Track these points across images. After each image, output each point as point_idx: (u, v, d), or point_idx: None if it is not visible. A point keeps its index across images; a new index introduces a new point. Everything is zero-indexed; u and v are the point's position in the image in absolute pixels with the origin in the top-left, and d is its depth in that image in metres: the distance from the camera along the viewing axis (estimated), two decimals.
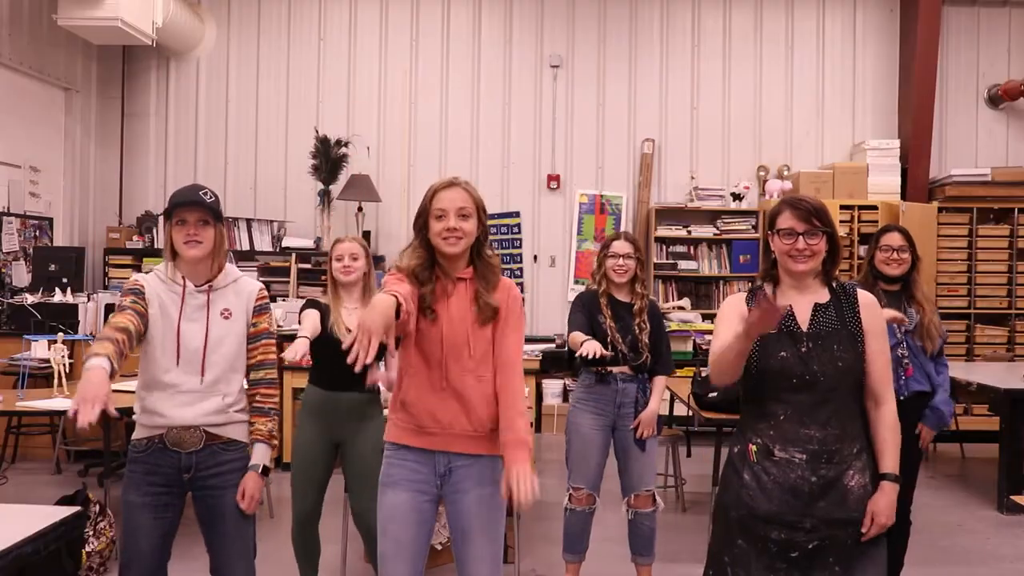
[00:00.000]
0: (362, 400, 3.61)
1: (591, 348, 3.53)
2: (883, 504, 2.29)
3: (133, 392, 2.74)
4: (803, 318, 2.34)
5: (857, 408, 2.35)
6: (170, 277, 2.65)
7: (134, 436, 2.68)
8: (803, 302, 2.36)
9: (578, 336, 3.68)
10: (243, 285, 2.72)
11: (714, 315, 7.73)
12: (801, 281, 2.37)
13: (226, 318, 2.66)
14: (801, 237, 2.31)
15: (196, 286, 2.64)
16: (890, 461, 2.31)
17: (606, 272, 3.86)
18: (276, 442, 2.75)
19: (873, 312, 2.37)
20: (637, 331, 3.80)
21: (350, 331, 3.39)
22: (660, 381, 3.88)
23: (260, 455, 2.70)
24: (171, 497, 2.65)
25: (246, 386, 2.75)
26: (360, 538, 4.44)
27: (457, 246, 2.41)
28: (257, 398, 2.75)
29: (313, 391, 3.68)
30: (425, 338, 2.42)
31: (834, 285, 2.40)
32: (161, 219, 7.19)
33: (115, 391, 3.98)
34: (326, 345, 3.49)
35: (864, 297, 2.39)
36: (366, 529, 3.56)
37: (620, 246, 3.85)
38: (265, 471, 2.69)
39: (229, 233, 8.02)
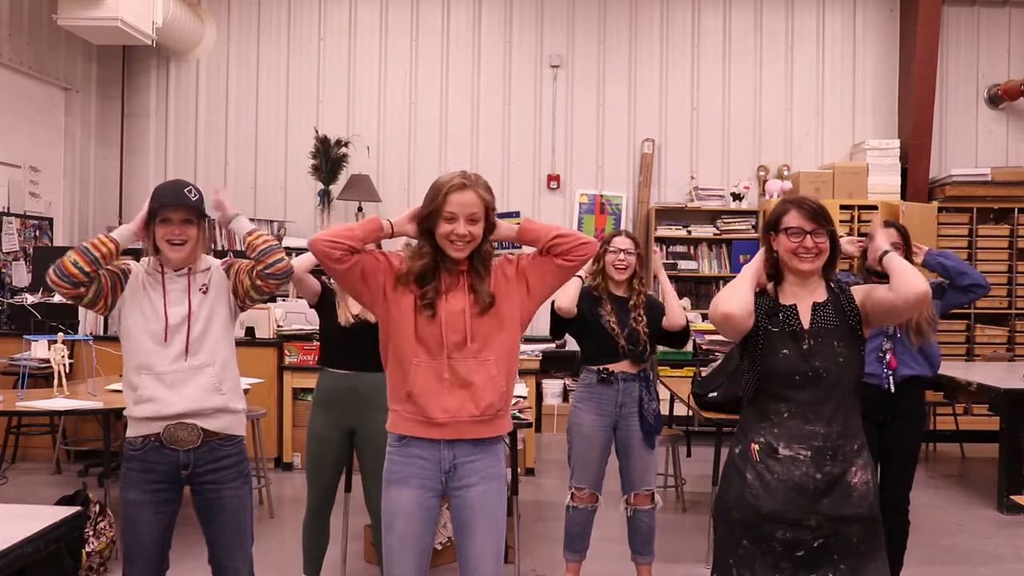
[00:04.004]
0: (376, 382, 3.61)
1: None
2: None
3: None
4: (805, 316, 2.37)
5: (856, 405, 2.38)
6: (153, 268, 2.70)
7: (129, 434, 2.68)
8: (805, 300, 2.39)
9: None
10: (214, 268, 2.78)
11: None
12: (805, 280, 2.40)
13: (204, 293, 2.70)
14: (809, 236, 2.35)
15: (176, 272, 2.70)
16: (894, 255, 2.39)
17: (605, 268, 3.85)
18: (263, 235, 2.76)
19: (860, 289, 2.44)
20: (634, 324, 3.79)
21: (356, 316, 3.57)
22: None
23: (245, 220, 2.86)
24: (170, 493, 2.67)
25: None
26: (360, 538, 4.46)
27: (464, 251, 2.44)
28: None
29: (326, 376, 3.70)
30: (426, 333, 2.45)
31: (832, 284, 2.44)
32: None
33: (110, 391, 3.98)
34: (337, 327, 3.60)
35: (856, 288, 2.44)
36: (375, 509, 3.58)
37: (621, 241, 3.84)
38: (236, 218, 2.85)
39: (229, 233, 8.02)
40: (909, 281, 2.27)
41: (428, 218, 2.45)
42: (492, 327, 2.47)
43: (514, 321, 2.52)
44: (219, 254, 7.09)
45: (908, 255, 3.77)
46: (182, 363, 2.63)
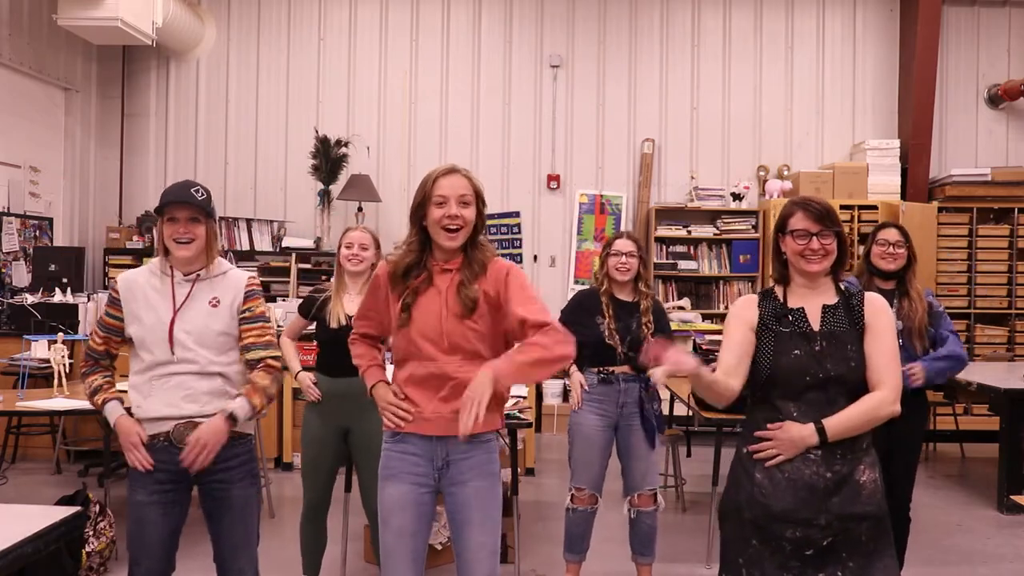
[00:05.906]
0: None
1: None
2: (788, 433, 2.30)
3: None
4: (814, 318, 2.37)
5: None
6: (161, 270, 2.68)
7: None
8: (814, 303, 2.39)
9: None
10: (233, 275, 2.74)
11: (714, 315, 7.75)
12: (813, 281, 2.40)
13: (214, 306, 2.66)
14: (815, 237, 2.34)
15: (184, 276, 2.67)
16: (835, 420, 2.28)
17: (608, 271, 3.86)
18: (260, 406, 2.66)
19: (875, 309, 2.37)
20: (643, 331, 3.78)
21: (351, 318, 3.49)
22: None
23: (237, 404, 2.62)
24: (177, 494, 2.66)
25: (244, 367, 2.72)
26: (360, 538, 4.46)
27: (456, 238, 2.42)
28: (259, 373, 2.69)
29: (320, 379, 3.71)
30: (404, 334, 2.46)
31: (842, 287, 2.43)
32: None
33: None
34: (328, 333, 3.61)
35: (870, 297, 2.41)
36: (373, 510, 3.58)
37: (622, 244, 3.85)
38: (233, 419, 2.60)
39: (229, 233, 8.02)
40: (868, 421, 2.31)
41: (419, 208, 2.46)
42: (470, 330, 2.42)
43: (496, 324, 2.46)
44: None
45: (911, 256, 3.74)
46: (191, 369, 2.62)
